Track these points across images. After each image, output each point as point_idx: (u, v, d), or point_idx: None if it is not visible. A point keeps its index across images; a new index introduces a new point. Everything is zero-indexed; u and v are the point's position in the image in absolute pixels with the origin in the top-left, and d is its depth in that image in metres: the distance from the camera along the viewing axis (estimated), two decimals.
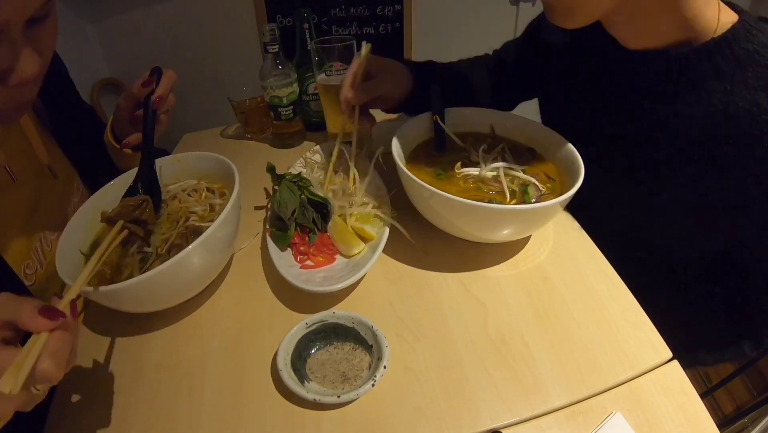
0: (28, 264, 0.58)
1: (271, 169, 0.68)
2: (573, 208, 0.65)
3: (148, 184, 0.59)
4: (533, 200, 0.59)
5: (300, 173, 0.69)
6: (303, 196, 0.65)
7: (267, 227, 0.66)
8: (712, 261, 0.60)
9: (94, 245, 0.57)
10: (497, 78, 0.85)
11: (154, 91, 0.64)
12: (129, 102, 0.67)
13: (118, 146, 0.70)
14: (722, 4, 0.53)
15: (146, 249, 0.54)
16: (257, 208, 0.74)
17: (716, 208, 0.56)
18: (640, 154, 0.61)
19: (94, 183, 0.63)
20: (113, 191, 0.61)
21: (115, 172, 0.63)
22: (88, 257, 0.55)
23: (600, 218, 0.66)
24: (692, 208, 0.58)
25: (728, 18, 0.52)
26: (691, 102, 0.54)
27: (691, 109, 0.54)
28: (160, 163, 0.63)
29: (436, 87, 0.71)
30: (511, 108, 0.91)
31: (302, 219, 0.63)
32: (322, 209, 0.65)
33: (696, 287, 0.62)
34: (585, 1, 0.53)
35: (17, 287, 0.54)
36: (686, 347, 0.52)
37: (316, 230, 0.64)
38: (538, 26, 0.78)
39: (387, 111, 0.77)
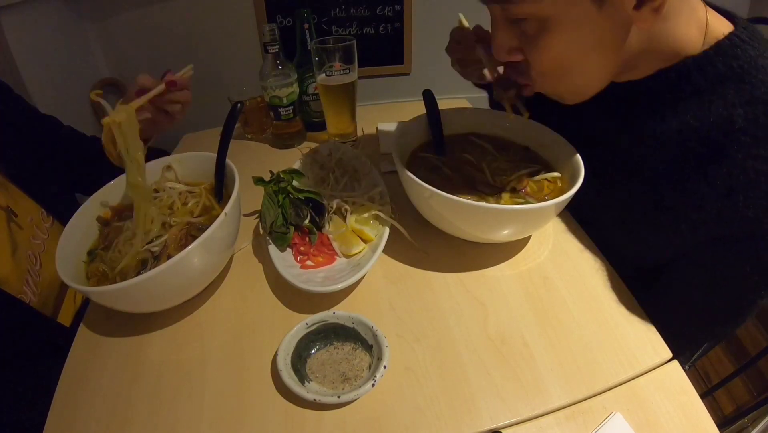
0: (22, 298, 0.61)
1: (258, 180, 0.66)
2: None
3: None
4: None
5: (290, 170, 0.68)
6: (292, 196, 0.64)
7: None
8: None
9: (94, 246, 0.57)
10: None
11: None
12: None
13: None
14: (715, 15, 0.51)
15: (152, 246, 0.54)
16: (257, 208, 0.74)
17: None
18: (617, 166, 0.60)
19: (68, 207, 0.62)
20: (112, 192, 0.61)
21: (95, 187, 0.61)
22: (88, 258, 0.56)
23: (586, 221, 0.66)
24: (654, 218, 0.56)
25: (720, 29, 0.50)
26: (666, 119, 0.53)
27: (666, 126, 0.53)
28: (159, 163, 0.63)
29: (431, 92, 0.71)
30: None
31: (297, 220, 0.63)
32: (316, 205, 0.65)
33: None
34: (590, 88, 0.56)
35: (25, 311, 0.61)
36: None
37: (314, 229, 0.64)
38: None
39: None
